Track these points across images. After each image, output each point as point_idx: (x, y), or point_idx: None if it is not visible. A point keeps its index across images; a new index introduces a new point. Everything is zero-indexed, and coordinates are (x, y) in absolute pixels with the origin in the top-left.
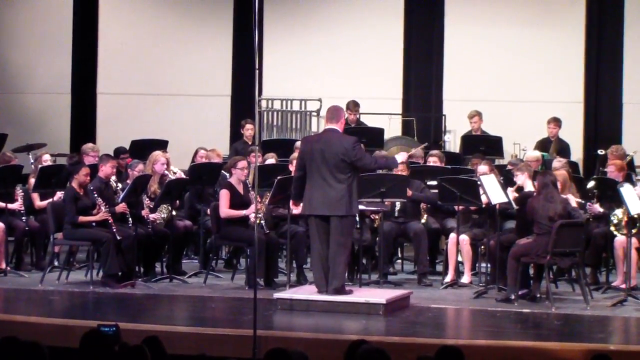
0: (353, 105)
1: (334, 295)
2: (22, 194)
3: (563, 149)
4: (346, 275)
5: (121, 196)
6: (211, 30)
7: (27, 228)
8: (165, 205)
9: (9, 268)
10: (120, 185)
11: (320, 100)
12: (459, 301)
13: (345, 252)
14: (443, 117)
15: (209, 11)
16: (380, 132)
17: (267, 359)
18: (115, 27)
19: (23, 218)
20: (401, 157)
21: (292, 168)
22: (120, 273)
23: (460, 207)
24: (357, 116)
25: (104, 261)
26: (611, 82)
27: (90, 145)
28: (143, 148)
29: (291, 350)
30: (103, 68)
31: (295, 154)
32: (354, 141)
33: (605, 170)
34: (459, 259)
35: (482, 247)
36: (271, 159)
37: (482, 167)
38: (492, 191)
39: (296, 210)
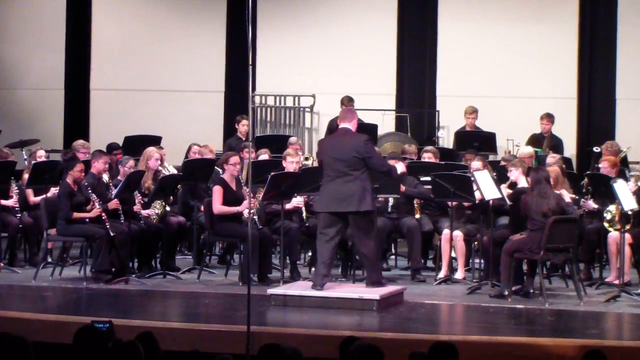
0: (347, 101)
1: (371, 287)
2: (17, 190)
3: (556, 145)
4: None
5: (114, 192)
6: (205, 26)
7: (20, 224)
8: (159, 201)
9: (2, 264)
10: (111, 181)
11: (313, 96)
12: (452, 297)
13: (371, 245)
14: (436, 113)
15: (203, 7)
16: (373, 128)
17: (261, 354)
18: (109, 23)
19: (18, 215)
20: (400, 167)
21: (285, 164)
22: (113, 269)
23: (454, 203)
24: None
25: (95, 257)
26: (604, 78)
27: (80, 141)
28: (136, 144)
29: (285, 345)
30: (96, 64)
31: (289, 150)
32: (365, 139)
33: (599, 166)
34: (453, 254)
35: (476, 243)
36: (264, 155)
37: (476, 163)
38: (486, 187)
39: (289, 205)
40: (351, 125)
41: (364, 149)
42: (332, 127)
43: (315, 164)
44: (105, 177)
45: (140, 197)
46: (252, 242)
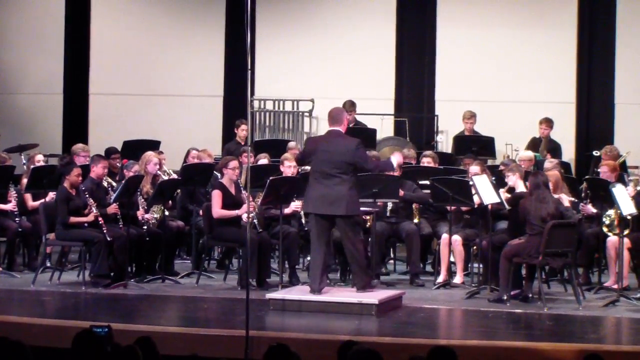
0: (349, 105)
1: (361, 292)
2: (16, 194)
3: (553, 149)
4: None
5: (113, 197)
6: (203, 30)
7: (19, 229)
8: (158, 206)
9: (0, 268)
10: (115, 185)
11: (312, 100)
12: (451, 301)
13: (360, 249)
14: (435, 117)
15: (201, 12)
16: (372, 132)
17: (268, 356)
18: (108, 27)
19: (17, 219)
20: (396, 159)
21: (283, 169)
22: (112, 273)
23: (453, 208)
24: (354, 116)
25: (94, 261)
26: (603, 83)
27: (80, 145)
28: (135, 148)
29: None
30: (95, 68)
31: (287, 155)
32: (357, 143)
33: (599, 170)
34: (451, 259)
35: (474, 247)
36: (263, 160)
37: (474, 168)
38: (485, 192)
39: (288, 210)
40: (342, 128)
41: (356, 155)
42: None
43: None
44: (112, 182)
45: (144, 202)
46: (251, 247)
